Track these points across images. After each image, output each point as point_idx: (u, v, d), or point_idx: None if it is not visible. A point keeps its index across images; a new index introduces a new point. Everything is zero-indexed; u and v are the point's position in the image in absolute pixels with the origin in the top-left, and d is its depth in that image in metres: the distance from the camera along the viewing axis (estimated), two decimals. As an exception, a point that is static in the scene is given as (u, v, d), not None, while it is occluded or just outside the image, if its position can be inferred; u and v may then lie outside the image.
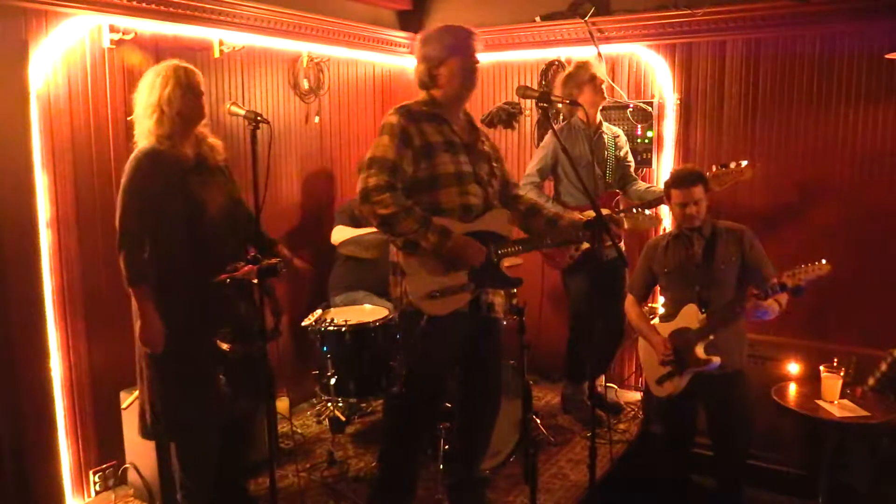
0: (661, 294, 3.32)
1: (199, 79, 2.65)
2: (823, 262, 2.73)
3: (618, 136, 3.88)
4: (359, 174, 2.57)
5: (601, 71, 3.75)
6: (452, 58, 2.62)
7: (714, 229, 3.05)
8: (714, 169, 3.36)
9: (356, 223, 3.93)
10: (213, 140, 2.77)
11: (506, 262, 3.69)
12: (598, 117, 3.81)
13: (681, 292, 3.07)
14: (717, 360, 2.91)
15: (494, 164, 2.80)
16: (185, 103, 2.57)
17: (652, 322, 3.21)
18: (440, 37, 2.64)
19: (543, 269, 4.12)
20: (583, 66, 3.72)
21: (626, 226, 3.47)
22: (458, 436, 3.01)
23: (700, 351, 2.93)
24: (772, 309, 2.88)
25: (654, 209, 3.74)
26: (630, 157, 3.92)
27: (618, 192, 3.78)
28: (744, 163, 3.35)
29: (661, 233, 3.79)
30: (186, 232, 2.56)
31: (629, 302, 3.27)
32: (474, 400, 2.90)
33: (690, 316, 2.99)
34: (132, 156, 2.57)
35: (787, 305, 2.95)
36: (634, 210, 3.61)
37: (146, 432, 2.73)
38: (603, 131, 3.81)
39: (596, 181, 3.71)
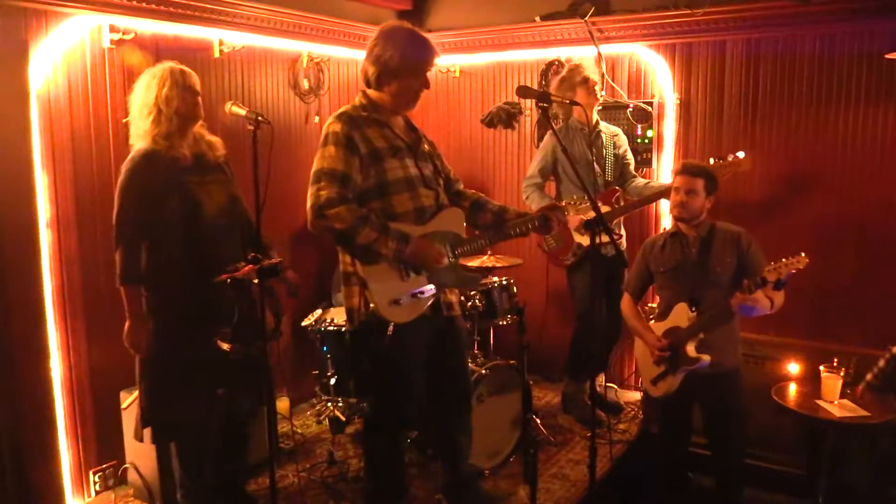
0: (656, 293, 3.32)
1: (196, 79, 2.65)
2: (802, 255, 2.71)
3: (616, 135, 3.90)
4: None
5: (594, 72, 3.76)
6: (409, 75, 2.54)
7: (711, 230, 3.05)
8: (712, 162, 3.36)
9: None
10: (212, 137, 2.76)
11: (507, 263, 3.73)
12: (595, 117, 3.82)
13: (675, 292, 3.06)
14: (706, 358, 2.90)
15: (437, 163, 2.76)
16: (183, 102, 2.57)
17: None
18: (404, 47, 2.52)
19: (548, 269, 4.12)
20: (575, 69, 3.73)
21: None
22: (439, 440, 2.98)
23: (690, 349, 2.93)
24: (759, 304, 2.85)
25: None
26: (629, 156, 3.93)
27: (618, 190, 3.79)
28: (741, 154, 3.34)
29: (662, 231, 3.79)
30: (183, 232, 2.56)
31: (625, 300, 3.26)
32: (445, 403, 2.86)
33: (681, 315, 2.99)
34: (128, 157, 2.57)
35: (781, 301, 2.93)
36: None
37: (137, 434, 2.73)
38: (601, 130, 3.82)
39: (595, 179, 3.73)
